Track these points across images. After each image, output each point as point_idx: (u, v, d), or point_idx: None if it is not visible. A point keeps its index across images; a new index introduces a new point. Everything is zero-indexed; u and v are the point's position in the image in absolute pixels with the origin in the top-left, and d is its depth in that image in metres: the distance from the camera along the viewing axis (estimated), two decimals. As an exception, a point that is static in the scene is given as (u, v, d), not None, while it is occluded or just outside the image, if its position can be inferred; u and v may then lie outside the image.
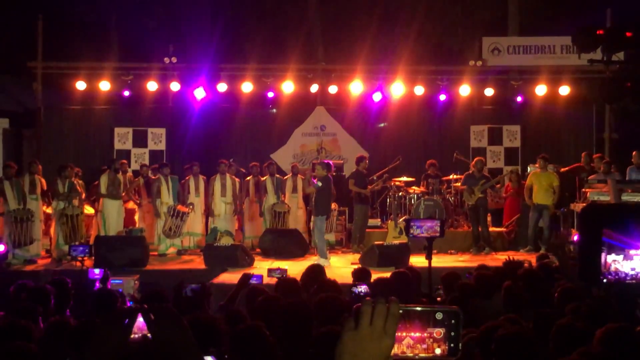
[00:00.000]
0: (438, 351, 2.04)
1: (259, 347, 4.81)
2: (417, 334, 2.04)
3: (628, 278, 3.35)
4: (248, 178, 17.75)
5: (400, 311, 1.98)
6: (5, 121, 21.04)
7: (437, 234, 8.91)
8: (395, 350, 2.01)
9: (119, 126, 20.65)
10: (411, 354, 2.04)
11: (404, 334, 2.03)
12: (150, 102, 20.56)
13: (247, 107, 20.72)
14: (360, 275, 8.83)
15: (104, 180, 16.30)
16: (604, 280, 3.36)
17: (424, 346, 2.04)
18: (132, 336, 2.78)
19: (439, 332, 2.04)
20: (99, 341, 2.56)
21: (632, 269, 3.52)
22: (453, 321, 2.04)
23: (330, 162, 16.38)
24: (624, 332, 5.07)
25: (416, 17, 22.56)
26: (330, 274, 9.09)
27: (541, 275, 8.09)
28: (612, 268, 3.34)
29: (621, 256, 3.29)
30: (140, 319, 2.75)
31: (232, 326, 5.43)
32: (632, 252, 3.32)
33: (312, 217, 15.90)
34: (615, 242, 3.24)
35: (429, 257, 8.74)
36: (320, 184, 15.27)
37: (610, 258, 3.31)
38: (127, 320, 2.59)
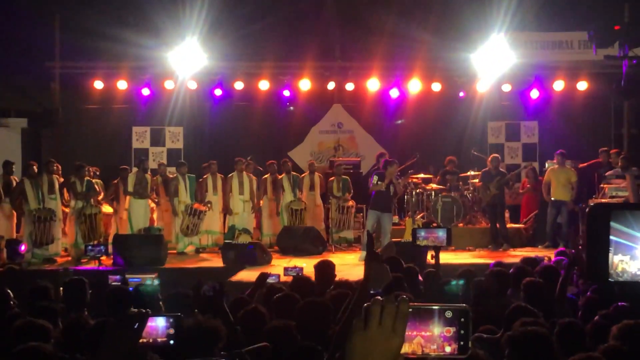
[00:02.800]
0: (448, 349, 2.05)
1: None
2: (428, 333, 2.05)
3: (636, 278, 3.36)
4: (265, 176, 17.77)
5: (410, 310, 1.98)
6: (24, 121, 21.13)
7: (443, 244, 8.91)
8: (406, 349, 2.02)
9: (136, 125, 20.73)
10: (421, 353, 2.04)
11: (415, 332, 2.04)
12: (167, 101, 20.61)
13: (264, 105, 20.74)
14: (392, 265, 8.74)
15: (131, 179, 16.39)
16: (611, 280, 3.36)
17: (434, 345, 2.04)
18: (141, 340, 2.80)
19: (448, 330, 2.04)
20: (108, 344, 2.58)
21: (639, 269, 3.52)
22: (462, 319, 2.05)
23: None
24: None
25: (432, 13, 22.47)
26: (349, 271, 9.08)
27: (559, 271, 8.08)
28: (619, 268, 3.32)
29: (628, 256, 3.28)
30: (150, 324, 2.77)
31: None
32: (639, 252, 3.33)
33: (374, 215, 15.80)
34: (623, 241, 3.23)
35: (436, 267, 8.72)
36: (399, 180, 15.56)
37: (617, 258, 3.29)
38: (137, 323, 2.60)
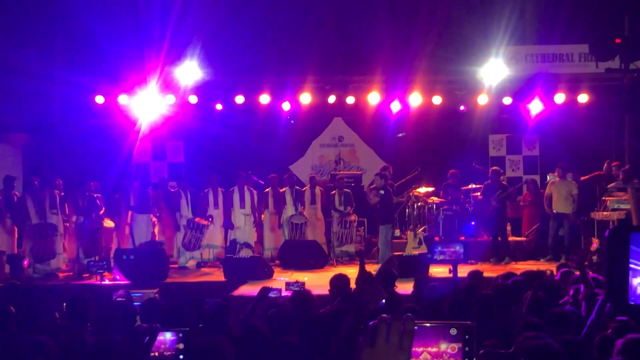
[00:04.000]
0: None
1: None
2: (434, 349, 2.04)
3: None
4: (267, 189, 17.78)
5: (416, 327, 1.99)
6: (25, 136, 21.16)
7: (461, 259, 8.74)
8: None
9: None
10: None
11: (421, 349, 2.04)
12: (168, 115, 20.61)
13: (264, 119, 20.75)
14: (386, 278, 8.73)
15: (133, 194, 16.41)
16: (632, 304, 3.35)
17: None
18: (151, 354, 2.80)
19: (453, 347, 2.04)
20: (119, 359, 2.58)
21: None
22: (467, 336, 2.04)
23: (386, 172, 16.58)
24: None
25: (433, 27, 22.51)
26: (351, 285, 9.04)
27: (562, 285, 8.07)
28: (638, 292, 3.32)
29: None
30: (160, 338, 2.77)
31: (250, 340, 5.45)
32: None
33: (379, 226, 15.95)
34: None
35: (455, 280, 8.64)
36: (382, 192, 15.50)
37: (636, 281, 3.29)
38: (147, 338, 2.61)
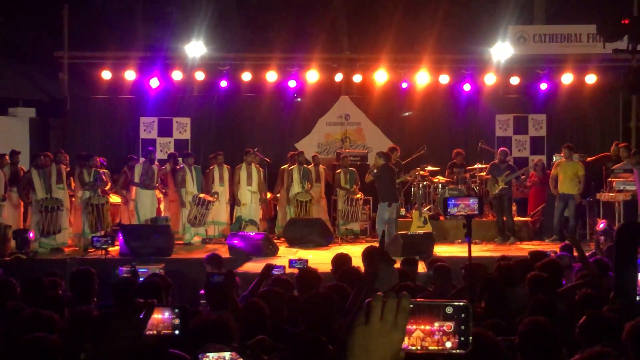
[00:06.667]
0: (448, 344, 2.05)
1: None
2: (427, 327, 2.05)
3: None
4: (283, 167, 17.82)
5: (411, 305, 2.00)
6: (32, 110, 21.22)
7: (475, 212, 8.52)
8: (406, 342, 2.03)
9: (144, 115, 20.74)
10: (420, 347, 2.05)
11: (414, 327, 2.05)
12: (175, 92, 20.64)
13: (271, 97, 20.74)
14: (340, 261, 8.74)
15: (137, 170, 16.45)
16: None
17: (434, 340, 2.05)
18: (147, 332, 2.81)
19: (449, 325, 2.05)
20: (113, 334, 2.59)
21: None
22: (463, 315, 2.05)
23: (389, 152, 16.61)
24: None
25: (441, 5, 22.46)
26: (356, 263, 9.04)
27: (561, 266, 8.10)
28: None
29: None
30: (156, 316, 2.77)
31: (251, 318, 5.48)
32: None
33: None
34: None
35: (468, 236, 8.39)
36: (375, 171, 15.53)
37: None
38: (142, 314, 2.61)
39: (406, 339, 2.01)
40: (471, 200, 8.41)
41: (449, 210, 8.47)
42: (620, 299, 4.92)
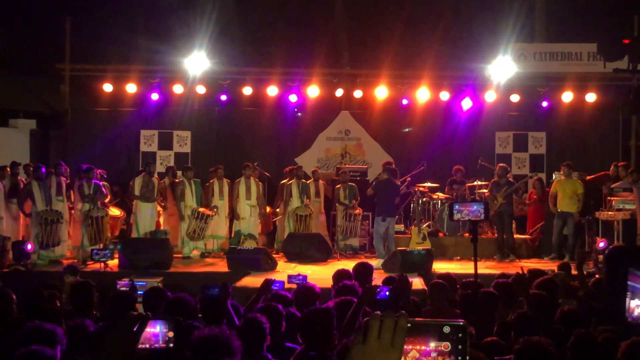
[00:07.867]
0: None
1: None
2: (423, 347, 2.05)
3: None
4: (284, 181, 17.84)
5: (408, 325, 2.00)
6: (33, 122, 21.26)
7: (482, 217, 8.38)
8: None
9: (145, 128, 20.76)
10: None
11: (410, 346, 2.05)
12: (176, 105, 20.67)
13: (271, 111, 20.79)
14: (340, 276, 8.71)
15: (138, 183, 16.43)
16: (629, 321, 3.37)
17: (430, 357, 2.05)
18: (140, 345, 2.80)
19: (446, 345, 2.05)
20: (107, 347, 2.59)
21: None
22: (460, 335, 2.05)
23: (396, 170, 16.67)
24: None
25: (441, 22, 22.52)
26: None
27: (557, 284, 8.08)
28: (636, 314, 3.32)
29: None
30: (149, 329, 2.77)
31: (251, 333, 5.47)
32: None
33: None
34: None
35: (474, 242, 8.26)
36: (374, 183, 15.68)
37: (634, 303, 3.29)
38: (136, 327, 2.61)
39: (402, 359, 2.02)
40: (477, 206, 8.31)
41: (454, 216, 8.39)
42: (611, 322, 4.94)
